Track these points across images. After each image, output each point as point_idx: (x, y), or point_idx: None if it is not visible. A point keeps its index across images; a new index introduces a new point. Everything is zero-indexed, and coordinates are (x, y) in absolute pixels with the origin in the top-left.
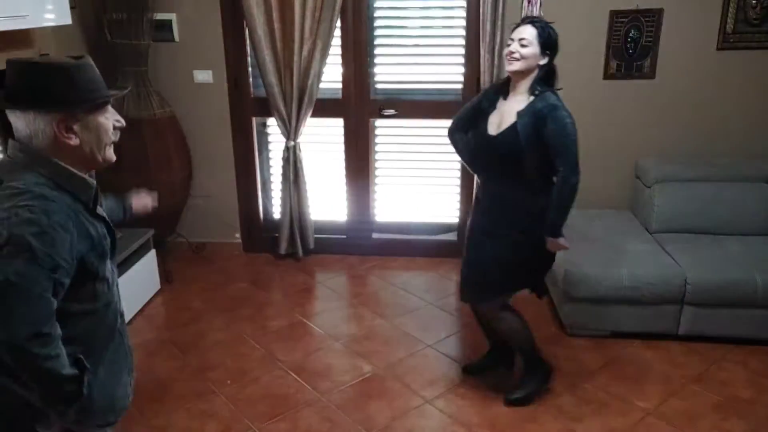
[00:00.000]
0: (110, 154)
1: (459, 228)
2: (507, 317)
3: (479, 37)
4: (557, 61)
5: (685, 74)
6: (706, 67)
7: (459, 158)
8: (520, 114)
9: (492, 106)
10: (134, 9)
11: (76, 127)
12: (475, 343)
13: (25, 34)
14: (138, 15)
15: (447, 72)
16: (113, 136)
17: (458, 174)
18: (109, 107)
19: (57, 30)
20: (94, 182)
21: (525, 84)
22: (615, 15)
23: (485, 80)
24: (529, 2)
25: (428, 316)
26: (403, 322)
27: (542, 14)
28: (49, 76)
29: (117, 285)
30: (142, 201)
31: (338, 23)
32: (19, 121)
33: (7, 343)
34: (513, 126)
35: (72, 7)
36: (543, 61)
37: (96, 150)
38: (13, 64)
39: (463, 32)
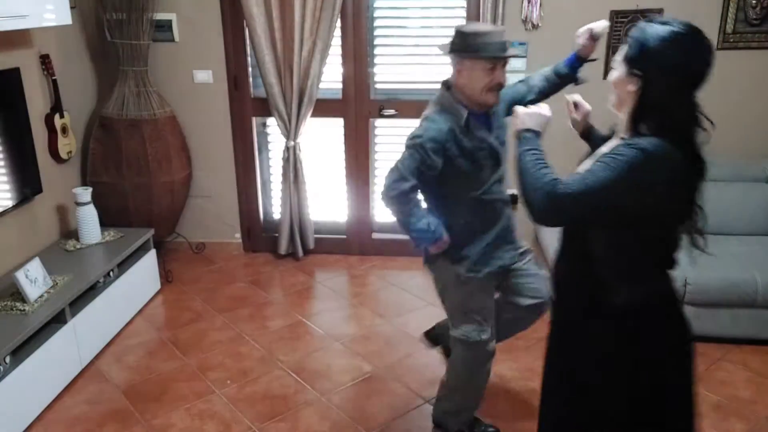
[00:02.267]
0: (486, 98)
1: None
2: None
3: None
4: None
5: None
6: None
7: None
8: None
9: None
10: (134, 9)
11: (463, 71)
12: None
13: (25, 34)
14: (138, 15)
15: (447, 72)
16: (487, 87)
17: None
18: (498, 67)
19: (57, 30)
20: (466, 112)
21: (624, 123)
22: (615, 15)
23: None
24: (529, 2)
25: (428, 316)
26: (403, 322)
27: (542, 14)
28: (462, 34)
29: (501, 183)
30: (585, 43)
31: (338, 23)
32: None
33: (383, 195)
34: None
35: (72, 7)
36: (631, 87)
37: (472, 91)
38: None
39: None
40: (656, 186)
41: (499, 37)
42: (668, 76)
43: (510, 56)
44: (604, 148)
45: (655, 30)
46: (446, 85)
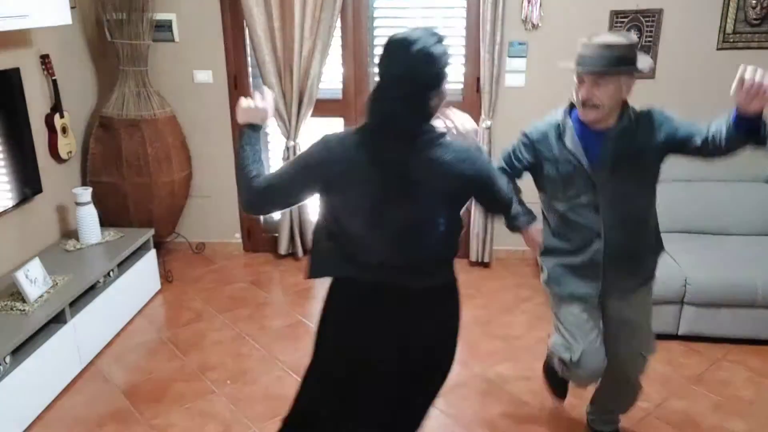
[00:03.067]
0: (580, 112)
1: None
2: None
3: (479, 37)
4: None
5: (685, 74)
6: (706, 67)
7: None
8: None
9: None
10: (134, 9)
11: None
12: (475, 344)
13: (25, 34)
14: (138, 15)
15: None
16: (578, 101)
17: None
18: (586, 82)
19: (57, 30)
20: (561, 121)
21: None
22: (615, 15)
23: (485, 80)
24: (529, 2)
25: None
26: None
27: (542, 14)
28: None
29: (594, 212)
30: (738, 94)
31: (338, 23)
32: None
33: None
34: None
35: (72, 7)
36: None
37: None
38: None
39: (463, 32)
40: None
41: (596, 51)
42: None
43: (587, 71)
44: None
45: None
46: None
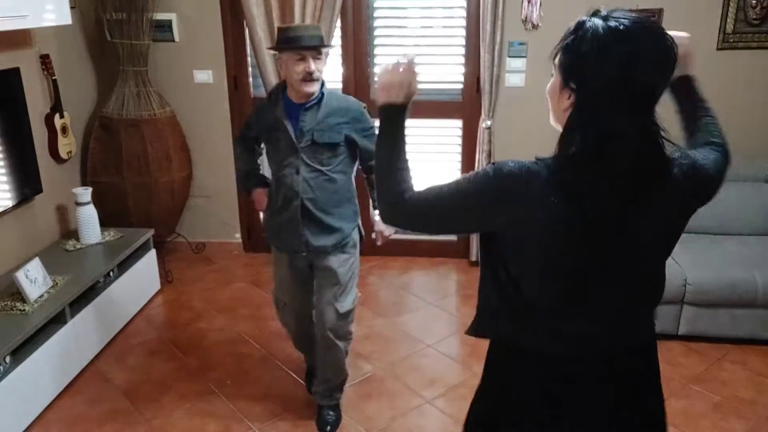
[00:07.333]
0: (300, 89)
1: None
2: None
3: (479, 37)
4: None
5: None
6: (706, 67)
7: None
8: None
9: None
10: (134, 9)
11: (280, 64)
12: (475, 343)
13: (25, 34)
14: (138, 15)
15: (447, 72)
16: (299, 76)
17: (458, 174)
18: (308, 59)
19: (57, 30)
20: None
21: None
22: None
23: (485, 80)
24: (529, 2)
25: (428, 316)
26: (403, 322)
27: (542, 14)
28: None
29: (298, 174)
30: None
31: (338, 23)
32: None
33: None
34: None
35: (72, 7)
36: (566, 102)
37: (291, 83)
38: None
39: (463, 32)
40: None
41: (311, 31)
42: None
43: (312, 47)
44: None
45: None
46: None
